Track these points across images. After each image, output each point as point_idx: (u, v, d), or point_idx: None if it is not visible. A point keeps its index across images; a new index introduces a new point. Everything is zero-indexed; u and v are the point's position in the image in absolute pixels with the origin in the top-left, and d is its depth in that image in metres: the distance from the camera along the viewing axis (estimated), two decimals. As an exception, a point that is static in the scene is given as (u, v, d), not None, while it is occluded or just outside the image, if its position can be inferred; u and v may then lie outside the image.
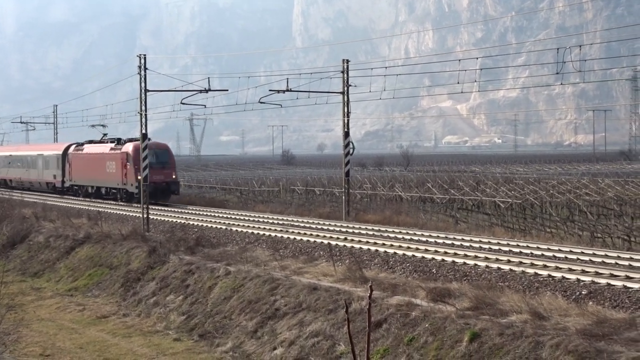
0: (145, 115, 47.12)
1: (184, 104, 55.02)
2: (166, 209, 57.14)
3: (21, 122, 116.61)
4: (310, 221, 45.70)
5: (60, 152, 76.73)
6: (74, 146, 74.67)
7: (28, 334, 29.29)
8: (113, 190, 65.74)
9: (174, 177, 63.15)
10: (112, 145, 66.65)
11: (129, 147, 62.46)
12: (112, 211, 57.01)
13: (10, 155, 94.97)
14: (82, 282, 38.39)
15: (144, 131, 47.16)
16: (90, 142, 72.93)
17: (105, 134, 73.07)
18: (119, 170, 62.65)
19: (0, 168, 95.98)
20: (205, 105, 57.54)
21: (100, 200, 67.50)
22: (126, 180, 62.20)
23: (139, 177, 54.93)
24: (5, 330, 27.99)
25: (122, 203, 61.82)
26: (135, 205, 56.82)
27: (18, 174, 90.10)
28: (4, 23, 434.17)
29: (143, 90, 46.54)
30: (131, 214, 53.38)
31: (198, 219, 49.03)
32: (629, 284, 24.24)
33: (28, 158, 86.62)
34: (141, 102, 46.73)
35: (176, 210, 56.10)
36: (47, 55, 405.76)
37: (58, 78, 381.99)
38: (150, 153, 57.59)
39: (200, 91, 50.21)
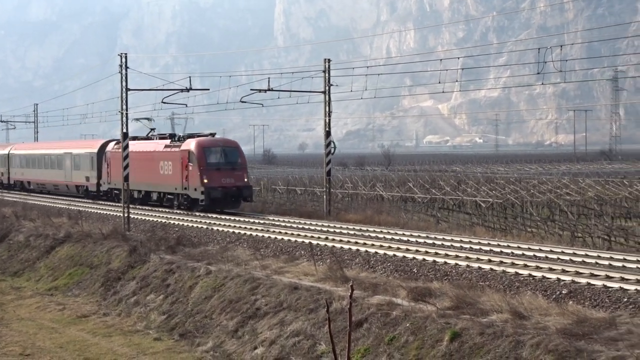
0: (127, 114, 47.01)
1: (165, 103, 54.96)
2: (146, 207, 56.87)
3: (1, 121, 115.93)
4: (292, 220, 45.65)
5: (95, 150, 65.41)
6: (113, 143, 62.73)
7: (8, 333, 29.16)
8: (169, 196, 55.36)
9: (245, 180, 52.99)
10: (167, 142, 55.92)
11: (191, 145, 52.31)
12: (92, 210, 56.87)
13: (29, 153, 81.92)
14: (62, 281, 38.27)
15: (124, 130, 47.04)
16: (134, 138, 59.47)
17: (152, 129, 61.05)
18: (177, 171, 52.47)
19: (15, 168, 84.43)
20: (186, 105, 57.49)
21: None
22: (187, 184, 51.70)
23: (206, 180, 50.07)
24: (-16, 330, 27.86)
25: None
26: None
27: (38, 176, 78.47)
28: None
29: (124, 89, 46.40)
30: (112, 213, 53.22)
31: (179, 218, 48.91)
32: (609, 284, 24.37)
33: (52, 157, 74.03)
34: (122, 101, 46.61)
35: (157, 209, 55.94)
36: (27, 54, 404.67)
37: (39, 77, 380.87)
38: (217, 151, 52.41)
39: (182, 90, 50.19)
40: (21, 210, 55.92)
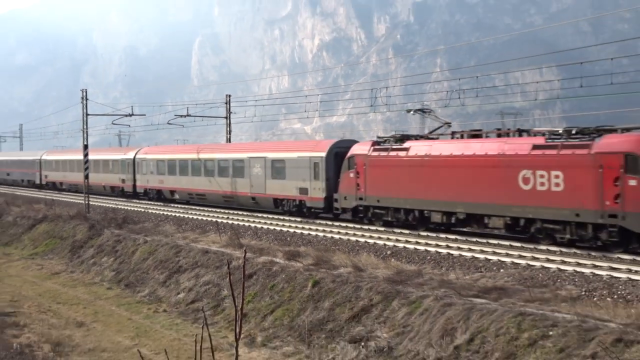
0: (87, 131, 46.00)
1: (114, 124, 53.92)
2: (100, 195, 55.38)
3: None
4: (204, 207, 45.28)
5: (322, 154, 34.24)
6: (368, 145, 31.80)
7: (1, 286, 28.35)
8: (549, 225, 24.18)
9: None
10: (537, 140, 24.93)
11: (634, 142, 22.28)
12: (62, 199, 55.23)
13: (175, 158, 46.97)
14: (41, 249, 37.27)
15: (85, 142, 46.06)
16: (406, 137, 30.77)
17: (446, 124, 31.66)
18: (585, 188, 22.83)
19: (147, 175, 49.99)
20: (129, 125, 56.60)
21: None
22: (621, 208, 21.84)
23: None
24: (-17, 284, 27.03)
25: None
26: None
27: (193, 184, 44.46)
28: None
29: (85, 114, 45.49)
30: (76, 201, 51.79)
31: (124, 205, 48.04)
32: (418, 247, 25.05)
33: (222, 162, 41.73)
34: (84, 123, 45.64)
35: (108, 197, 54.66)
36: (14, 89, 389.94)
37: (22, 105, 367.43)
38: None
39: (126, 115, 49.45)
40: (10, 199, 53.99)
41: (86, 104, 45.64)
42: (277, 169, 36.93)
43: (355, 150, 32.14)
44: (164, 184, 47.78)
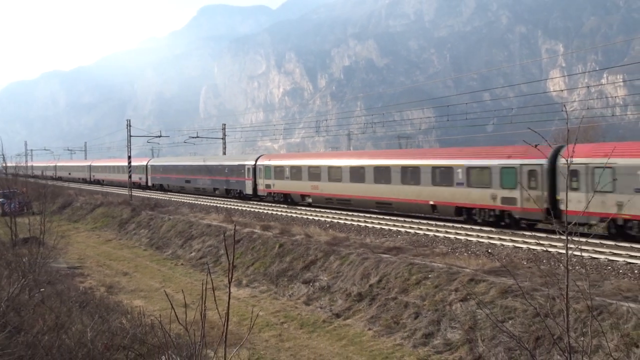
0: (130, 147, 44.94)
1: (148, 142, 52.76)
2: (146, 190, 53.91)
3: (68, 150, 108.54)
4: (209, 197, 44.55)
5: None
6: None
7: (71, 249, 27.45)
8: None
9: None
10: None
11: None
12: (112, 191, 53.65)
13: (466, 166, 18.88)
14: (99, 224, 36.20)
15: (129, 154, 44.96)
16: None
17: None
18: None
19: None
20: (159, 143, 55.57)
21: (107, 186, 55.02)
22: None
23: None
24: (60, 248, 26.16)
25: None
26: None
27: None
28: (58, 102, 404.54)
29: (129, 136, 44.45)
30: (121, 192, 50.38)
31: (156, 196, 46.94)
32: (346, 222, 25.02)
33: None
34: (128, 142, 44.57)
35: (146, 191, 53.27)
36: (82, 119, 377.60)
37: (87, 130, 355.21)
38: None
39: (156, 137, 48.49)
40: (78, 191, 52.25)
41: (130, 129, 44.57)
42: None
43: None
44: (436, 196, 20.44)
